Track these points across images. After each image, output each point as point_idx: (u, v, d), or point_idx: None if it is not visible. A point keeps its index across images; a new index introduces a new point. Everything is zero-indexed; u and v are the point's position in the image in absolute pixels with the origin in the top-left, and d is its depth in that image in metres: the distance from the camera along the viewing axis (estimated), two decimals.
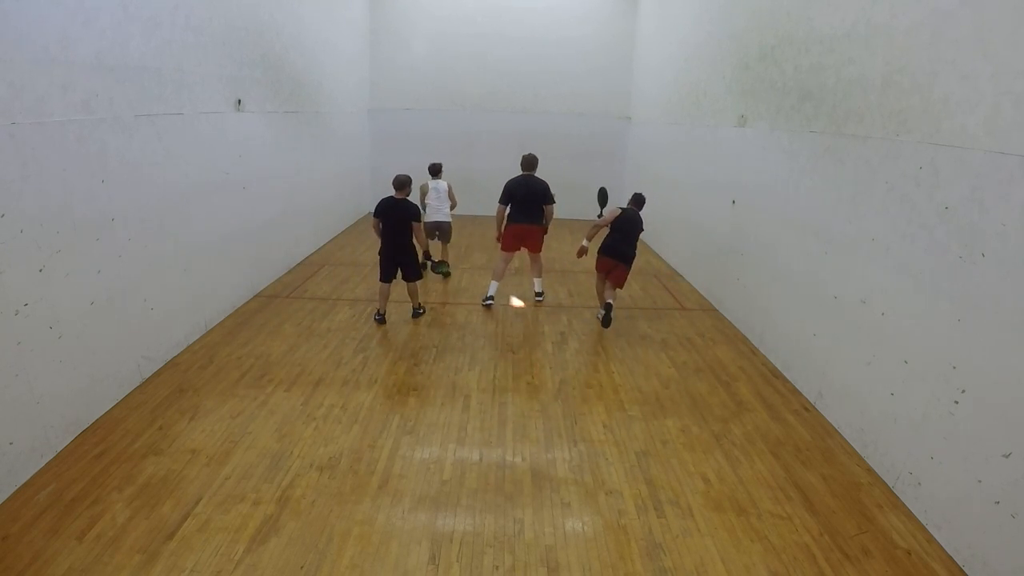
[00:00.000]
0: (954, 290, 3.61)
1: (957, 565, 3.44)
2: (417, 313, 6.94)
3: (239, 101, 6.74)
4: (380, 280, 6.71)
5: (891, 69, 4.30)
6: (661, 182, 10.29)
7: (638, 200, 7.01)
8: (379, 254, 6.67)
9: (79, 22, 4.23)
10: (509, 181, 7.29)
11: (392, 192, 6.58)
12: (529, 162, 7.33)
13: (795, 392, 5.45)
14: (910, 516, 3.84)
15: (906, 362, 4.02)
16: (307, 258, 9.28)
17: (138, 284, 5.02)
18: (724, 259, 7.44)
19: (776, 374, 5.82)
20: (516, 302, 7.62)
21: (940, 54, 3.81)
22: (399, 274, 6.72)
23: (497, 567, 3.34)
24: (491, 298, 7.41)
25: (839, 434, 4.76)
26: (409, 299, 7.01)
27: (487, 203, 12.73)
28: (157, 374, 5.29)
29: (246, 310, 6.93)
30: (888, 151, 4.31)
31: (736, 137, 7.21)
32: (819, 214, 5.23)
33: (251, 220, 7.20)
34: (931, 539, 3.64)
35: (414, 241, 6.68)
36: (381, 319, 6.72)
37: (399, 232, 6.54)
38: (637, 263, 7.62)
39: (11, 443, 3.73)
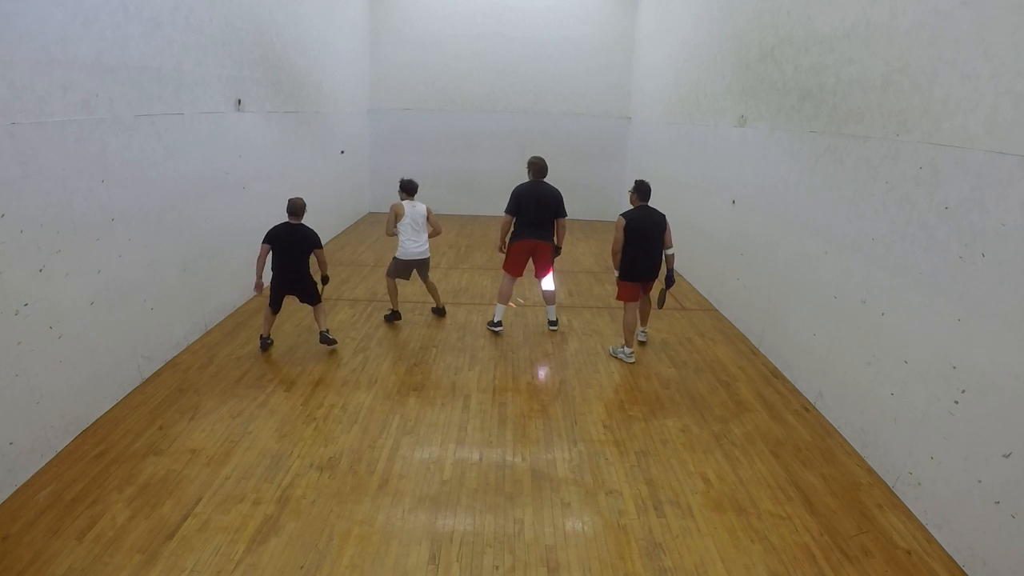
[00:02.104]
0: (954, 290, 3.61)
1: (957, 565, 3.44)
2: (327, 339, 5.86)
3: (239, 101, 6.74)
4: (269, 306, 5.92)
5: (891, 69, 4.30)
6: (661, 182, 10.22)
7: (645, 192, 5.91)
8: (271, 283, 5.86)
9: (79, 22, 4.23)
10: (518, 187, 6.34)
11: (286, 218, 5.76)
12: (541, 167, 6.34)
13: (795, 392, 5.45)
14: (910, 516, 3.84)
15: (906, 362, 4.02)
16: None
17: (138, 284, 5.02)
18: (724, 259, 7.44)
19: (776, 374, 5.82)
20: (515, 302, 7.62)
21: (940, 54, 3.81)
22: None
23: (497, 567, 3.34)
24: (499, 323, 6.58)
25: (839, 434, 4.76)
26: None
27: (487, 203, 12.88)
28: (157, 374, 5.29)
29: (246, 310, 6.93)
30: (888, 151, 4.31)
31: (736, 137, 7.21)
32: (819, 214, 5.23)
33: (251, 220, 7.18)
34: (931, 539, 3.64)
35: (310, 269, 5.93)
36: (265, 345, 5.93)
37: (295, 260, 5.73)
38: None
39: (11, 443, 3.73)
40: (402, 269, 6.61)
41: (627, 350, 5.99)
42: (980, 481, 3.34)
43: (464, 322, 6.90)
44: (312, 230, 5.84)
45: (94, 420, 4.51)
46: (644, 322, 6.40)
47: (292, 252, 5.73)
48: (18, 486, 3.76)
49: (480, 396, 5.22)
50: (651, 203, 5.97)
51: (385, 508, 3.77)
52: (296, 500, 3.79)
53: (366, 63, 12.48)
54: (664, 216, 5.95)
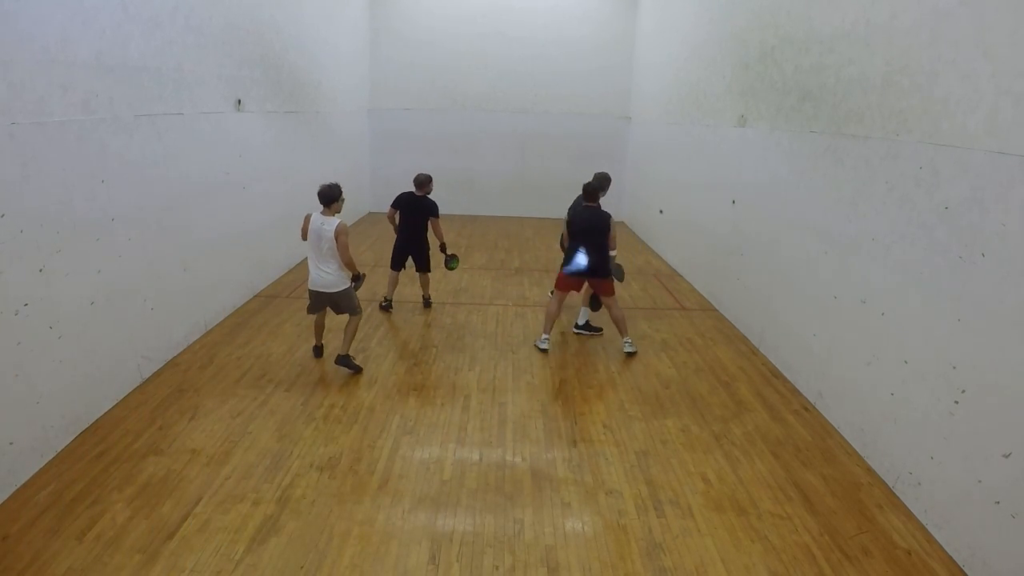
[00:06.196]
0: (954, 290, 3.61)
1: (957, 565, 3.44)
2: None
3: (239, 101, 6.74)
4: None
5: (891, 69, 4.30)
6: (661, 182, 10.29)
7: (590, 189, 5.92)
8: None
9: (79, 22, 4.23)
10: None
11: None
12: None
13: (795, 392, 5.45)
14: (910, 516, 3.84)
15: (906, 362, 4.02)
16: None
17: (138, 284, 5.02)
18: (724, 259, 7.44)
19: (776, 374, 5.82)
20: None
21: (940, 54, 3.81)
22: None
23: (497, 567, 3.34)
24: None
25: (839, 434, 4.76)
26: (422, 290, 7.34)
27: (487, 203, 12.92)
28: (157, 374, 5.29)
29: (246, 310, 6.92)
30: (888, 151, 4.31)
31: (736, 137, 7.21)
32: (819, 214, 5.23)
33: (251, 220, 7.19)
34: (931, 539, 3.64)
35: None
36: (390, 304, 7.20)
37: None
38: (636, 263, 7.51)
39: (11, 443, 3.73)
40: (312, 300, 5.46)
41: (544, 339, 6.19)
42: (980, 481, 3.34)
43: (464, 322, 6.90)
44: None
45: (94, 420, 4.51)
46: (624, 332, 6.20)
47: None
48: (18, 486, 3.76)
49: (480, 396, 5.22)
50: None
51: (385, 508, 3.77)
52: (296, 500, 3.79)
53: (366, 63, 12.48)
54: (607, 216, 5.93)
